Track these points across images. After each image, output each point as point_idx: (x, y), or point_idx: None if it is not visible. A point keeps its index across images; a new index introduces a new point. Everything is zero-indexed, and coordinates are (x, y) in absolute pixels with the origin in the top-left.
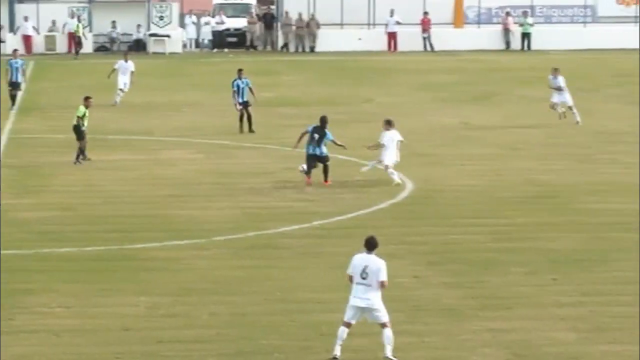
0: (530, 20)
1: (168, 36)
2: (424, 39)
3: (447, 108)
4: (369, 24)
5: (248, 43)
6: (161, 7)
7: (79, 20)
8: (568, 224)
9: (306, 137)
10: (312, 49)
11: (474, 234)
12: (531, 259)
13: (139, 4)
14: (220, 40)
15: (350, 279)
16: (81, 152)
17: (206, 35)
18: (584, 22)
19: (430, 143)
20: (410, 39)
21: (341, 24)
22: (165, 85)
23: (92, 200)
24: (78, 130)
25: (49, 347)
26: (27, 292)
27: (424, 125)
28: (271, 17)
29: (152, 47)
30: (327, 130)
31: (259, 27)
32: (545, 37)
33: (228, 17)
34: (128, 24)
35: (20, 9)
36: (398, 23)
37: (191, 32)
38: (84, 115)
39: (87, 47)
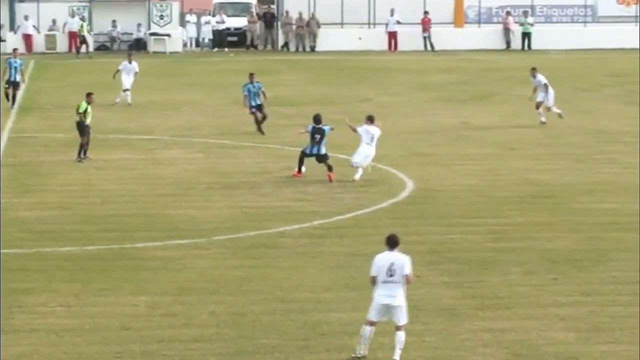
0: (530, 19)
1: (168, 35)
2: (425, 38)
3: (446, 108)
4: (369, 24)
5: (248, 42)
6: (161, 6)
7: (83, 20)
8: (567, 223)
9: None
10: (312, 49)
11: (473, 234)
12: (530, 258)
13: (140, 3)
14: (221, 39)
15: (373, 280)
16: (83, 149)
17: (206, 34)
18: (584, 22)
19: (430, 143)
20: (410, 39)
21: (341, 24)
22: (165, 85)
23: (92, 199)
24: (81, 127)
25: (48, 346)
26: (26, 291)
27: (423, 125)
28: (271, 16)
29: (152, 46)
30: (323, 127)
31: (259, 27)
32: (545, 37)
33: (228, 16)
34: (128, 23)
35: (21, 8)
36: (398, 22)
37: (191, 31)
38: (85, 110)
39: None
